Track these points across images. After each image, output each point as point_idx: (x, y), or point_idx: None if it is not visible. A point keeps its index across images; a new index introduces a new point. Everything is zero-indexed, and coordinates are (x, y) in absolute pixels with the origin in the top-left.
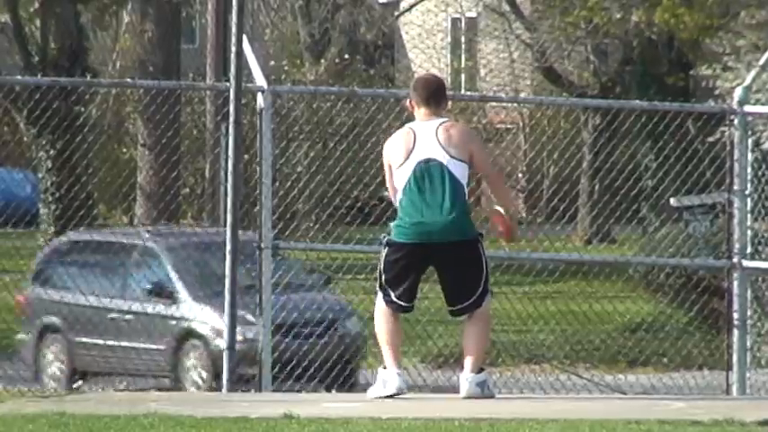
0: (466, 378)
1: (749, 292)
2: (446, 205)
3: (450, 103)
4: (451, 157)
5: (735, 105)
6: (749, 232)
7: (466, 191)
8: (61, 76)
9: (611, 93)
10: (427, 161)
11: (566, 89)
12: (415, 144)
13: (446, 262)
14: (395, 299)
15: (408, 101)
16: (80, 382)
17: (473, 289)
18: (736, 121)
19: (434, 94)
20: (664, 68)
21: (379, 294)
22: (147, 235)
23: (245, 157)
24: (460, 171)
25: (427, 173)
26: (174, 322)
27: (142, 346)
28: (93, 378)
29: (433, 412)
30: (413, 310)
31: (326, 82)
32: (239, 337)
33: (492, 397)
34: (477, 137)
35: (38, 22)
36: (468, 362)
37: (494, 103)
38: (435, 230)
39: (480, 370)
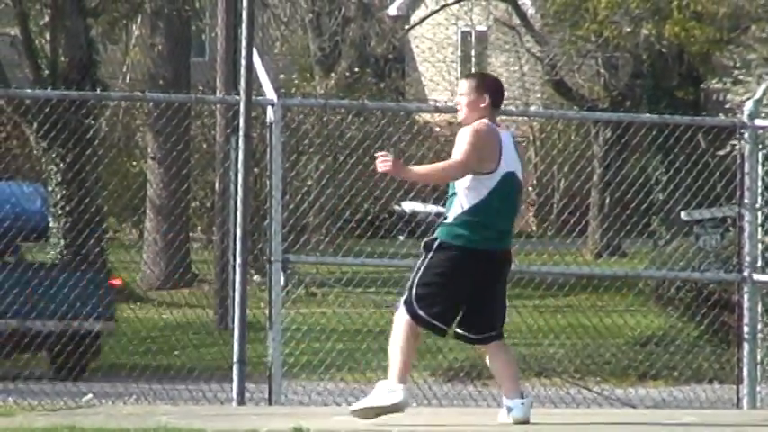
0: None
1: (760, 305)
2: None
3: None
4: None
5: (745, 119)
6: (760, 246)
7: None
8: (71, 89)
9: (622, 106)
10: (513, 174)
11: (576, 102)
12: (502, 151)
13: None
14: None
15: (477, 97)
16: (90, 396)
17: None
18: (746, 135)
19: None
20: (674, 82)
21: None
22: None
23: (255, 170)
24: None
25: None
26: None
27: None
28: None
29: (443, 426)
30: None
31: (337, 95)
32: None
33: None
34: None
35: (48, 36)
36: None
37: (504, 117)
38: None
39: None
